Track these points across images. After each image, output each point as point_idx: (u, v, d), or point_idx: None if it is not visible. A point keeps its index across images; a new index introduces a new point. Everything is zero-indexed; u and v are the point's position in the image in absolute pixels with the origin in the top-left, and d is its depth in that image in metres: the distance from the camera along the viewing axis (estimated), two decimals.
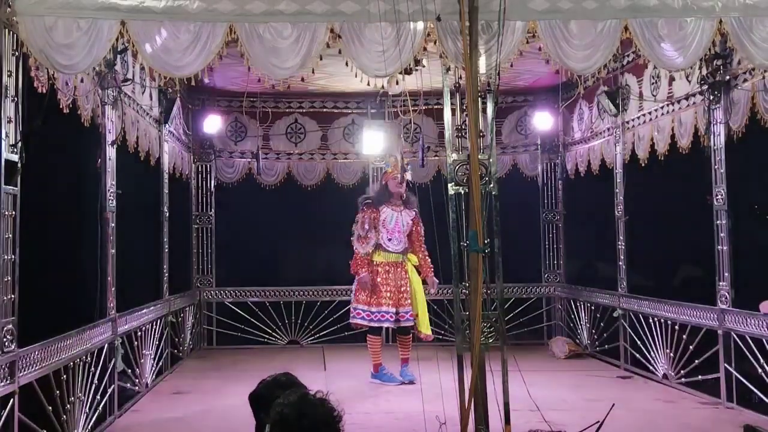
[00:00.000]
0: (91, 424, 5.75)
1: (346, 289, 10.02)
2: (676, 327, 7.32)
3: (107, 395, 6.10)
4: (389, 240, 7.89)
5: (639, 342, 7.99)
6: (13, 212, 4.66)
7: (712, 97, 6.70)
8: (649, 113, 7.86)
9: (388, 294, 7.74)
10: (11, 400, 4.50)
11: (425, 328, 7.79)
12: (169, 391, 7.59)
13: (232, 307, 10.19)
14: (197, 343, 9.97)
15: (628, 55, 7.87)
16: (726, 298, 6.62)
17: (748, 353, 6.29)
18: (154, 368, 7.76)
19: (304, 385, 2.96)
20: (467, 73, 4.90)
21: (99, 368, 5.94)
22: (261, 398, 3.09)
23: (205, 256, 10.28)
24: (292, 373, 3.18)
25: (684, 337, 7.18)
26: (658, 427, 6.08)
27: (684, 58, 5.29)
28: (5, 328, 4.51)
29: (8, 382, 4.49)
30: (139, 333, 7.22)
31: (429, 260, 7.99)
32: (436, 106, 8.94)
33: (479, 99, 5.11)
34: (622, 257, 8.47)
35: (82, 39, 4.84)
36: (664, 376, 7.56)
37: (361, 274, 7.81)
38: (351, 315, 7.97)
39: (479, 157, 4.96)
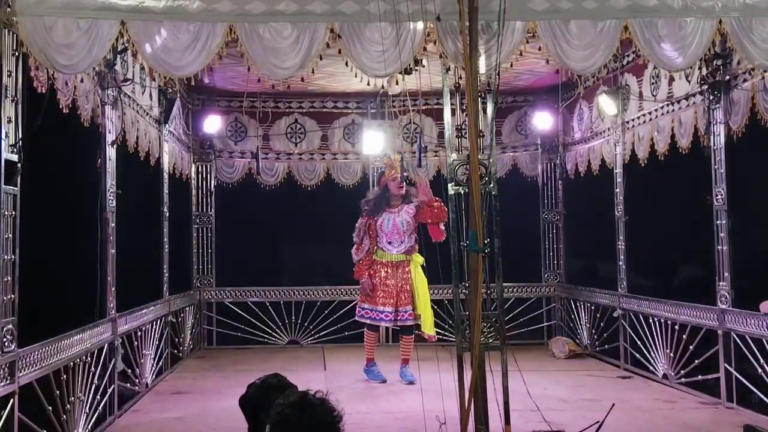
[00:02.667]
0: (91, 424, 5.75)
1: (346, 289, 10.09)
2: (676, 327, 7.32)
3: (107, 395, 6.10)
4: (389, 243, 7.87)
5: (639, 342, 7.99)
6: (13, 212, 4.66)
7: (712, 97, 6.70)
8: (649, 113, 7.86)
9: (386, 294, 7.75)
10: (11, 400, 4.51)
11: (429, 329, 7.78)
12: (169, 391, 7.58)
13: (232, 307, 10.19)
14: (197, 343, 9.96)
15: (628, 55, 7.87)
16: (726, 298, 6.62)
17: (748, 353, 6.29)
18: (154, 368, 7.76)
19: (294, 385, 2.97)
20: (467, 73, 4.90)
21: (99, 368, 5.94)
22: (252, 400, 3.10)
23: (205, 256, 10.28)
24: (281, 374, 3.19)
25: (684, 337, 7.18)
26: (658, 427, 6.08)
27: (684, 58, 5.29)
28: (5, 328, 4.51)
29: (8, 382, 4.50)
30: (139, 333, 7.22)
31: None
32: (436, 106, 9.00)
33: (479, 99, 5.11)
34: (622, 257, 8.46)
35: (82, 39, 4.85)
36: (664, 376, 7.56)
37: (363, 279, 7.87)
38: (357, 314, 8.04)
39: (479, 157, 4.96)
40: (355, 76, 5.45)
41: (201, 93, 9.93)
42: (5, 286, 4.54)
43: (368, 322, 7.89)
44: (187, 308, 9.48)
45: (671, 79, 7.32)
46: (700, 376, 7.03)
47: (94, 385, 5.81)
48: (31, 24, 4.71)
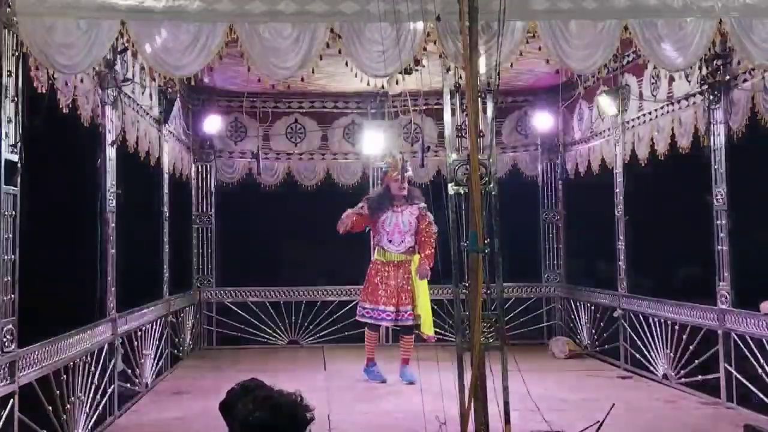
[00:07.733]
0: (91, 424, 5.75)
1: (346, 289, 10.10)
2: (676, 327, 7.32)
3: (107, 395, 6.10)
4: (389, 242, 7.89)
5: (639, 342, 7.99)
6: (13, 212, 4.66)
7: (712, 97, 6.70)
8: (649, 113, 7.86)
9: (387, 293, 7.75)
10: (11, 400, 4.50)
11: (428, 329, 7.79)
12: (169, 391, 7.58)
13: (232, 307, 10.19)
14: (197, 343, 9.97)
15: (628, 55, 7.87)
16: (726, 298, 6.62)
17: (748, 353, 6.29)
18: (154, 368, 7.76)
19: (271, 388, 2.99)
20: (467, 73, 4.89)
21: (99, 368, 5.94)
22: (228, 404, 3.12)
23: (205, 256, 10.28)
24: (258, 378, 3.22)
25: (684, 337, 7.18)
26: (658, 427, 6.08)
27: (684, 58, 5.29)
28: (5, 328, 4.51)
29: (8, 382, 4.49)
30: (139, 333, 7.23)
31: (430, 255, 7.68)
32: (436, 106, 8.99)
33: (479, 99, 5.11)
34: (622, 257, 8.46)
35: (82, 39, 4.85)
36: (664, 376, 7.56)
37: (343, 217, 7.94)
38: (358, 313, 8.04)
39: (479, 157, 4.96)
40: (355, 76, 5.45)
41: (201, 93, 9.92)
42: (5, 286, 4.54)
43: (370, 321, 7.89)
44: (187, 308, 9.48)
45: (671, 79, 7.32)
46: (700, 376, 7.03)
47: (94, 385, 5.81)
48: (31, 24, 4.71)
